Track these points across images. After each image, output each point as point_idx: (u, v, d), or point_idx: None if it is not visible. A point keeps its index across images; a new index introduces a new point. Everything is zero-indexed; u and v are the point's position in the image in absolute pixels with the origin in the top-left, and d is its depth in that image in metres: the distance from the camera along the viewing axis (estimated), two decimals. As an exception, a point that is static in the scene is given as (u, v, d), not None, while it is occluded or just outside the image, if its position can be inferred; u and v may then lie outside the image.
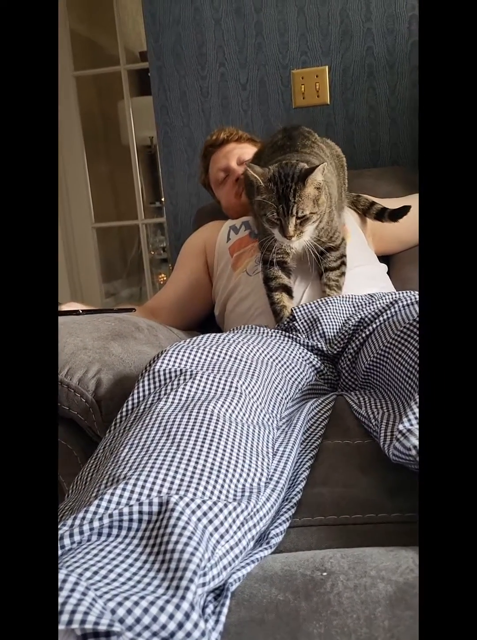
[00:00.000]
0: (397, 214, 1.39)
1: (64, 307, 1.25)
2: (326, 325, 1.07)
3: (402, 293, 1.05)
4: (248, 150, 1.53)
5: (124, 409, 0.77)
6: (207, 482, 0.58)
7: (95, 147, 3.33)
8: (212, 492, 0.57)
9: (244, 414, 0.74)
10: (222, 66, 1.95)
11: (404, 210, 1.37)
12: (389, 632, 0.44)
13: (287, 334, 1.09)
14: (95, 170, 3.19)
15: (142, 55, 3.20)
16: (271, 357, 0.94)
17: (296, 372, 0.96)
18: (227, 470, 0.61)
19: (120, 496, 0.55)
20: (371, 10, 1.82)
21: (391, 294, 1.10)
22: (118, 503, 0.54)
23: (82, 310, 1.16)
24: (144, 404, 0.75)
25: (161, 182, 2.14)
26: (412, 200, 1.44)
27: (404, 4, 1.80)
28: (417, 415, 0.63)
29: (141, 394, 0.79)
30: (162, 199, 3.65)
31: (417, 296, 1.01)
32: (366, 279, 1.26)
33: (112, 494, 0.55)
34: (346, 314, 1.08)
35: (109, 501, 0.54)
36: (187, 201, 2.06)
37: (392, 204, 1.47)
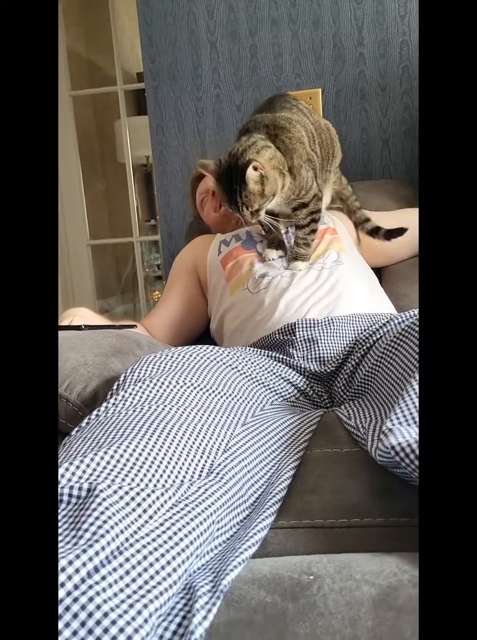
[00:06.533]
0: (392, 234, 1.42)
1: (77, 318, 1.25)
2: (323, 348, 1.08)
3: (400, 314, 1.07)
4: None
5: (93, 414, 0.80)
6: (138, 472, 0.60)
7: (92, 165, 3.37)
8: (141, 481, 0.59)
9: (197, 412, 0.76)
10: (218, 87, 1.99)
11: (400, 231, 1.39)
12: (372, 632, 0.46)
13: (272, 353, 1.10)
14: (91, 188, 3.23)
15: (139, 75, 3.25)
16: (237, 370, 0.95)
17: (262, 385, 0.97)
18: (160, 463, 0.63)
19: (60, 478, 0.57)
20: (363, 35, 1.87)
21: (388, 314, 1.12)
22: (58, 482, 0.57)
23: (84, 325, 1.17)
24: (105, 404, 0.78)
25: (156, 200, 2.17)
26: (403, 214, 1.47)
27: (396, 29, 1.85)
28: (399, 415, 0.65)
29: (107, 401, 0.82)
30: (157, 217, 3.69)
31: (410, 315, 1.02)
32: (367, 296, 1.27)
33: None
34: (348, 336, 1.09)
35: None
36: (181, 219, 2.09)
37: (384, 217, 1.50)
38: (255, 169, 1.14)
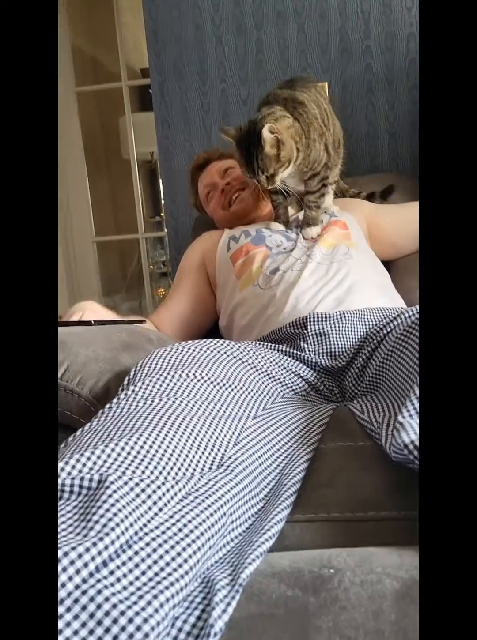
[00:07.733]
0: (385, 193, 1.61)
1: (87, 312, 1.25)
2: (334, 342, 1.07)
3: (409, 308, 1.06)
4: (229, 163, 1.60)
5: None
6: (149, 464, 0.60)
7: (96, 162, 3.36)
8: (152, 473, 0.59)
9: (207, 405, 0.76)
10: (223, 82, 1.98)
11: (390, 189, 1.60)
12: (396, 625, 0.45)
13: (282, 346, 1.09)
14: (96, 185, 3.22)
15: (143, 71, 3.25)
16: (248, 363, 0.95)
17: (273, 379, 0.96)
18: (171, 455, 0.63)
19: (71, 469, 0.58)
20: (369, 28, 1.86)
21: (398, 308, 1.11)
22: (69, 473, 0.57)
23: (94, 321, 1.17)
24: (116, 398, 0.78)
25: (162, 196, 2.17)
26: (410, 208, 1.47)
27: (402, 22, 1.83)
28: (410, 408, 0.64)
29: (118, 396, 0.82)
30: (162, 214, 3.68)
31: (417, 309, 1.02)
32: (377, 289, 1.26)
33: (62, 469, 0.58)
34: (359, 331, 1.09)
35: (61, 469, 0.58)
36: (188, 215, 2.08)
37: (391, 211, 1.51)
38: (271, 132, 1.19)
